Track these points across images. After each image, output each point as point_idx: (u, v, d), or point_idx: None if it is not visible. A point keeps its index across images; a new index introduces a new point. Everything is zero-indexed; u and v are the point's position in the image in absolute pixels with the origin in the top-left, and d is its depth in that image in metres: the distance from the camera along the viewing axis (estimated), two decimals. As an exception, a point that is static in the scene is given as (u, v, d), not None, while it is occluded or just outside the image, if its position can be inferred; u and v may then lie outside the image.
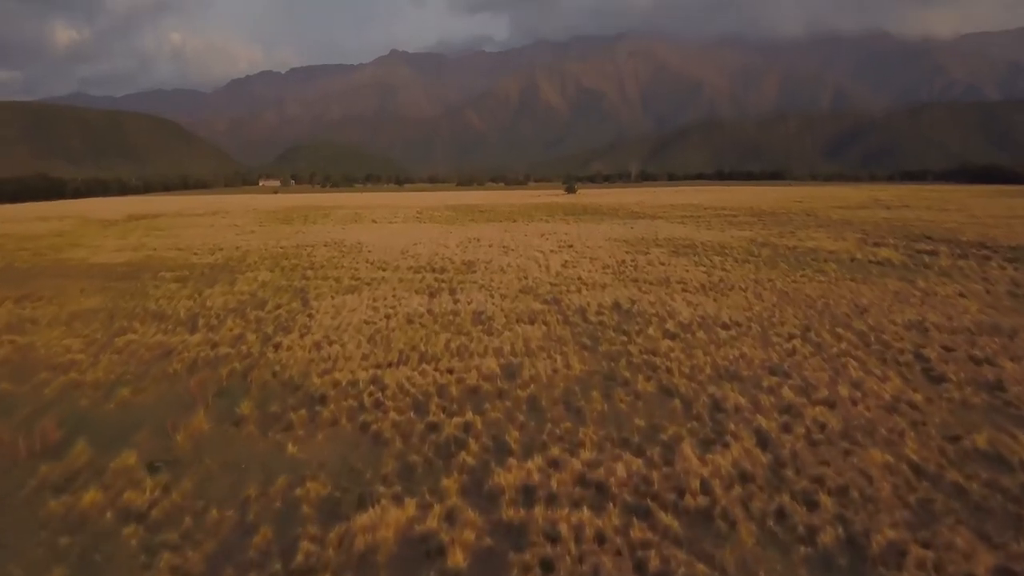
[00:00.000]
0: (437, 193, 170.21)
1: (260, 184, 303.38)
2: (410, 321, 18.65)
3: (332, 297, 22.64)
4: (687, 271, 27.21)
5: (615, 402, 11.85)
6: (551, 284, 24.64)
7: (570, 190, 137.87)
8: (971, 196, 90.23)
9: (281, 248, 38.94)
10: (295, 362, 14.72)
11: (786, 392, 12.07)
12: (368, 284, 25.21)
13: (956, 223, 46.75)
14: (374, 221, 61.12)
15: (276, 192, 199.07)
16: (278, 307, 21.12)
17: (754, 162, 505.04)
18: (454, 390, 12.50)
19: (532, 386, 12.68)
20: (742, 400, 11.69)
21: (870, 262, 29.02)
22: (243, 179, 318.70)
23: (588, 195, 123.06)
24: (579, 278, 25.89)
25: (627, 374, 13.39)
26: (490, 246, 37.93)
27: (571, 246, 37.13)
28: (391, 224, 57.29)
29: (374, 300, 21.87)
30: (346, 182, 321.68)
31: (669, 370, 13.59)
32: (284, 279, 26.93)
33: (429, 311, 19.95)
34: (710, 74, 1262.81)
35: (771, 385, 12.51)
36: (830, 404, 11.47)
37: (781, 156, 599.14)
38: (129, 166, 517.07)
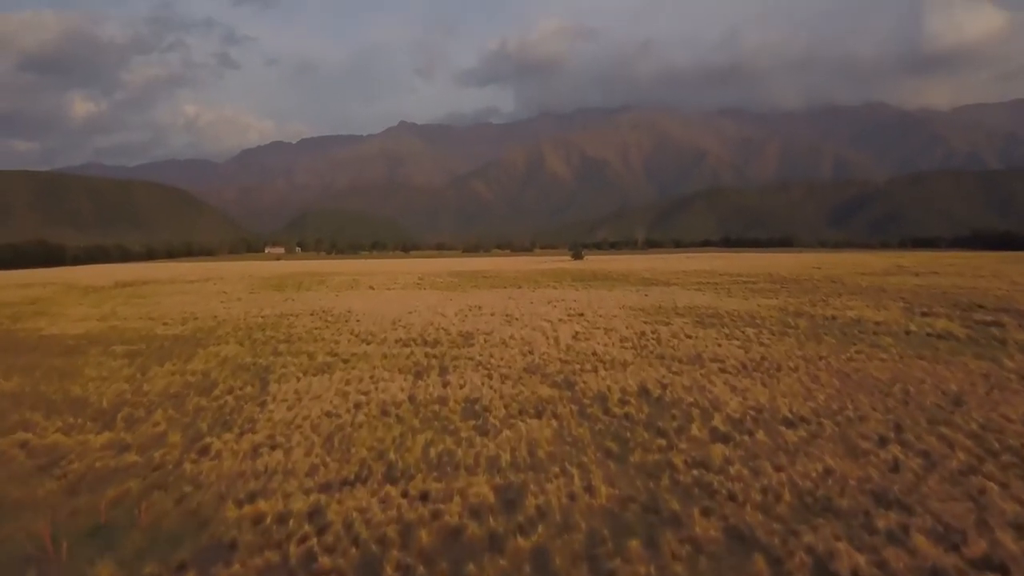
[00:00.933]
0: (441, 259, 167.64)
1: (266, 251, 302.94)
2: (384, 413, 14.77)
3: (298, 379, 18.76)
4: (719, 345, 23.28)
5: (665, 558, 7.86)
6: (561, 361, 20.76)
7: (577, 256, 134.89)
8: (999, 262, 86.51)
9: (262, 317, 35.26)
10: (217, 478, 10.78)
11: (919, 541, 8.05)
12: (346, 361, 21.37)
13: (1002, 290, 42.81)
14: (371, 288, 57.64)
15: (279, 259, 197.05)
16: (228, 392, 17.27)
17: (759, 229, 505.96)
18: (425, 535, 8.51)
19: (540, 527, 8.70)
20: (859, 558, 7.68)
21: (928, 335, 25.01)
22: (248, 246, 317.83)
23: (595, 261, 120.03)
24: (594, 353, 22.02)
25: (675, 504, 9.39)
26: (492, 315, 34.17)
27: (582, 314, 33.33)
28: (388, 291, 53.76)
29: (346, 383, 18.00)
30: (352, 249, 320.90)
31: (733, 496, 9.61)
32: (250, 354, 23.12)
33: (411, 398, 16.07)
34: (712, 144, 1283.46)
35: (890, 527, 8.50)
36: (1000, 569, 7.44)
37: (785, 224, 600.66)
38: (137, 233, 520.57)
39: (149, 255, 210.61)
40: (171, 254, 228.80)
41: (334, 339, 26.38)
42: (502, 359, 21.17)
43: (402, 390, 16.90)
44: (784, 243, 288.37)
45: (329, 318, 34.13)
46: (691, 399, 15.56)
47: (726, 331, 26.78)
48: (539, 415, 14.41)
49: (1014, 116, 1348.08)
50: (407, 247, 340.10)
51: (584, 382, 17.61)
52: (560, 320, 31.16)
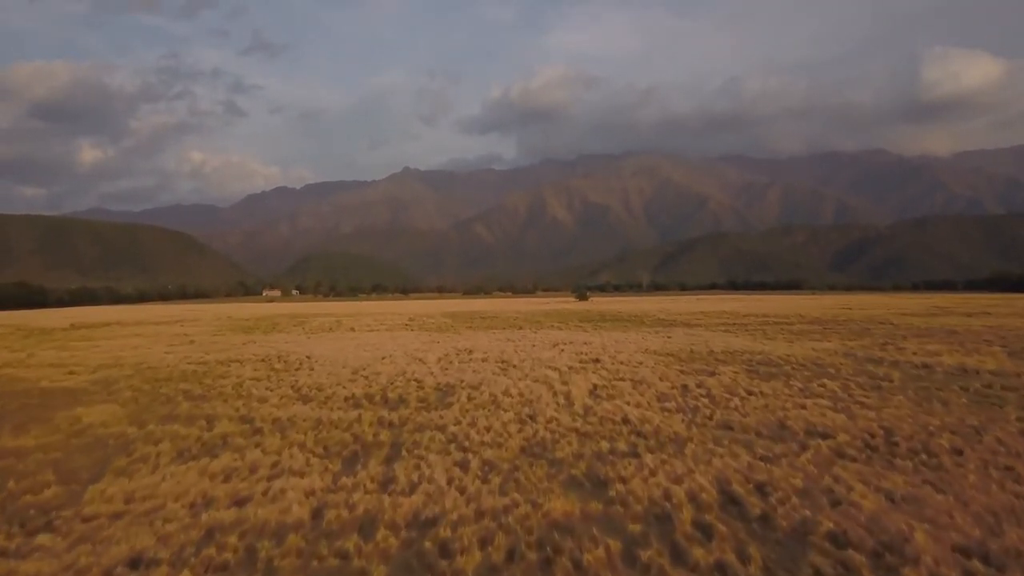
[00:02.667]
0: (439, 301, 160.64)
1: (264, 294, 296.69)
2: (250, 558, 7.61)
3: (156, 467, 11.61)
4: (803, 407, 16.15)
5: None
6: (579, 435, 13.65)
7: (581, 297, 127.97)
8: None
9: (199, 364, 28.13)
10: None
11: None
12: (254, 433, 14.28)
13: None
14: (352, 329, 50.62)
15: (271, 301, 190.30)
16: (23, 492, 10.11)
17: (762, 273, 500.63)
18: None
19: None
20: None
21: (1086, 390, 17.86)
22: (247, 289, 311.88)
23: (601, 302, 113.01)
24: (626, 420, 14.93)
25: None
26: (484, 360, 27.06)
27: (597, 360, 26.18)
28: (369, 333, 46.68)
29: (226, 477, 10.89)
30: (351, 292, 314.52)
31: None
32: (127, 420, 16.01)
33: (315, 515, 8.94)
34: (713, 189, 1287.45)
35: None
36: None
37: (789, 268, 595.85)
38: (141, 277, 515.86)
39: (141, 298, 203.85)
40: (164, 297, 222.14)
41: (263, 395, 19.25)
42: (488, 430, 14.07)
43: (307, 498, 9.70)
44: (792, 286, 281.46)
45: (278, 365, 26.98)
46: (827, 522, 8.36)
47: (797, 384, 19.61)
48: (548, 565, 7.25)
49: (1014, 162, 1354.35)
50: (407, 290, 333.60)
51: (622, 479, 10.45)
52: (571, 368, 24.03)
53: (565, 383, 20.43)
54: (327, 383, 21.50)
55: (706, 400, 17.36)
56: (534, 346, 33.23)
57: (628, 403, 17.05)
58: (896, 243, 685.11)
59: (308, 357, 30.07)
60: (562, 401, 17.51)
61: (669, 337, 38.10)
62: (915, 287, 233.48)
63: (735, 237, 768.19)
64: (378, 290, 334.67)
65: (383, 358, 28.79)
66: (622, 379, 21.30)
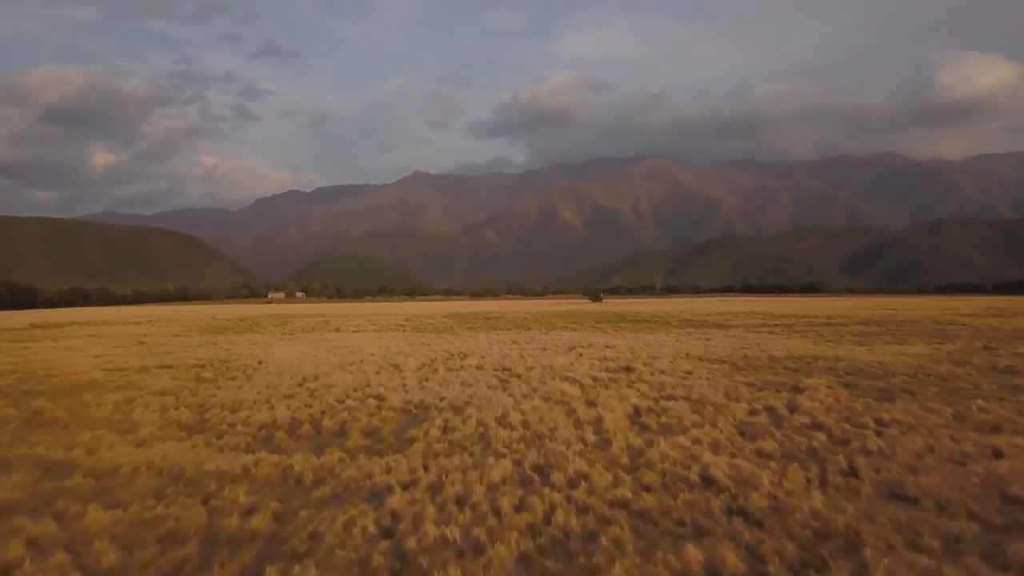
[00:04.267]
0: (443, 302, 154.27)
1: (269, 296, 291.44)
2: None
3: None
4: (998, 452, 9.57)
5: None
6: (633, 514, 7.32)
7: (594, 298, 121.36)
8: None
9: (118, 369, 21.95)
10: None
11: None
12: (50, 498, 7.80)
13: None
14: (337, 330, 44.27)
15: (270, 302, 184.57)
16: None
17: (775, 277, 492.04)
18: None
19: None
20: None
21: None
22: (251, 291, 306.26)
23: (616, 304, 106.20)
24: (707, 478, 8.62)
25: None
26: (479, 367, 20.69)
27: (630, 369, 19.74)
28: (354, 333, 40.31)
29: None
30: (356, 294, 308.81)
31: None
32: None
33: None
34: (723, 193, 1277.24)
35: None
36: None
37: (802, 272, 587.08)
38: (147, 280, 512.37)
39: (138, 299, 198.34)
40: (163, 299, 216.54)
41: (141, 421, 12.94)
42: (462, 505, 7.68)
43: None
44: (809, 289, 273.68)
45: (207, 374, 20.61)
46: None
47: (938, 407, 13.04)
48: None
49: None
50: (414, 292, 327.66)
51: None
52: (596, 380, 17.57)
53: (592, 404, 13.97)
54: (251, 400, 15.14)
55: (823, 437, 10.81)
56: (544, 350, 26.71)
57: (698, 442, 10.54)
58: (911, 247, 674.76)
59: (259, 362, 23.68)
60: (591, 437, 11.04)
61: (708, 339, 31.52)
62: (941, 290, 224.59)
63: (747, 241, 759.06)
64: (384, 293, 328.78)
65: (350, 364, 22.36)
66: (672, 397, 14.81)
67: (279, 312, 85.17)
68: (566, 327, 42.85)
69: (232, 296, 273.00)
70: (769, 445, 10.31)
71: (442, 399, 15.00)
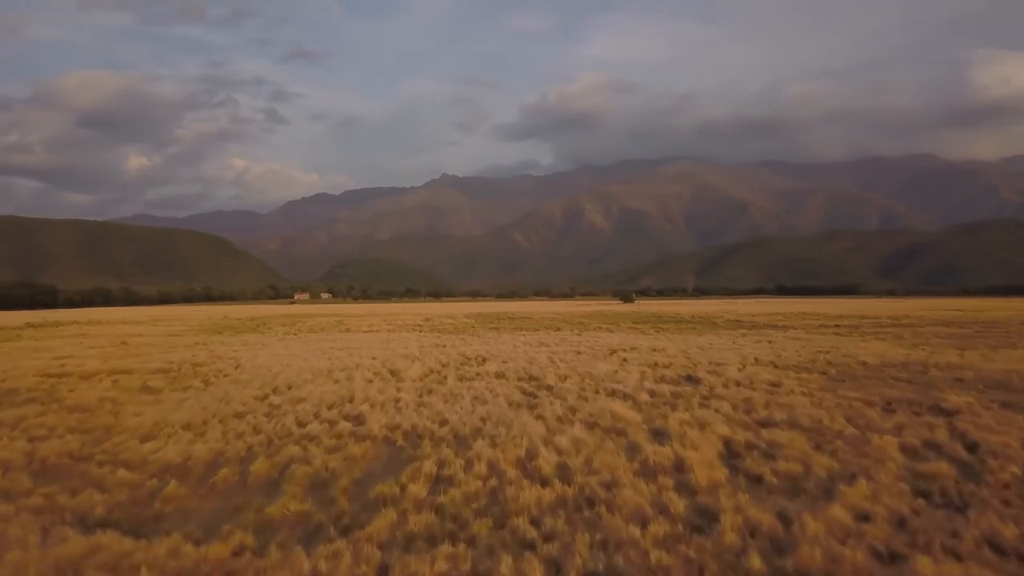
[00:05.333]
0: (468, 303, 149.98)
1: (295, 297, 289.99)
2: None
3: None
4: None
5: None
6: None
7: (626, 299, 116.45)
8: None
9: (54, 376, 17.81)
10: None
11: None
12: None
13: None
14: (347, 330, 40.22)
15: (293, 303, 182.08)
16: None
17: (805, 279, 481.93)
18: None
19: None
20: None
21: None
22: (277, 292, 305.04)
23: (649, 305, 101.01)
24: None
25: None
26: (499, 375, 16.48)
27: (693, 380, 15.41)
28: (364, 334, 36.23)
29: None
30: (382, 296, 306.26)
31: None
32: None
33: None
34: (753, 195, 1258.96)
35: None
36: None
37: (835, 274, 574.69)
38: (177, 281, 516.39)
39: (162, 300, 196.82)
40: (188, 299, 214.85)
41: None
42: None
43: None
44: (845, 291, 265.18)
45: (157, 382, 16.43)
46: None
47: None
48: None
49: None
50: (440, 294, 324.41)
51: None
52: (654, 396, 13.17)
53: (661, 435, 9.61)
54: (182, 421, 11.00)
55: (1084, 507, 6.21)
56: (579, 353, 22.23)
57: (865, 516, 6.11)
58: (947, 249, 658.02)
59: (236, 367, 19.65)
60: (675, 502, 6.68)
61: (770, 342, 26.83)
62: (993, 291, 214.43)
63: (778, 242, 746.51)
64: (410, 294, 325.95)
65: (341, 369, 18.12)
66: (772, 423, 10.33)
67: (295, 312, 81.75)
68: (600, 328, 38.31)
69: (257, 297, 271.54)
70: (991, 523, 5.80)
71: (443, 423, 10.66)
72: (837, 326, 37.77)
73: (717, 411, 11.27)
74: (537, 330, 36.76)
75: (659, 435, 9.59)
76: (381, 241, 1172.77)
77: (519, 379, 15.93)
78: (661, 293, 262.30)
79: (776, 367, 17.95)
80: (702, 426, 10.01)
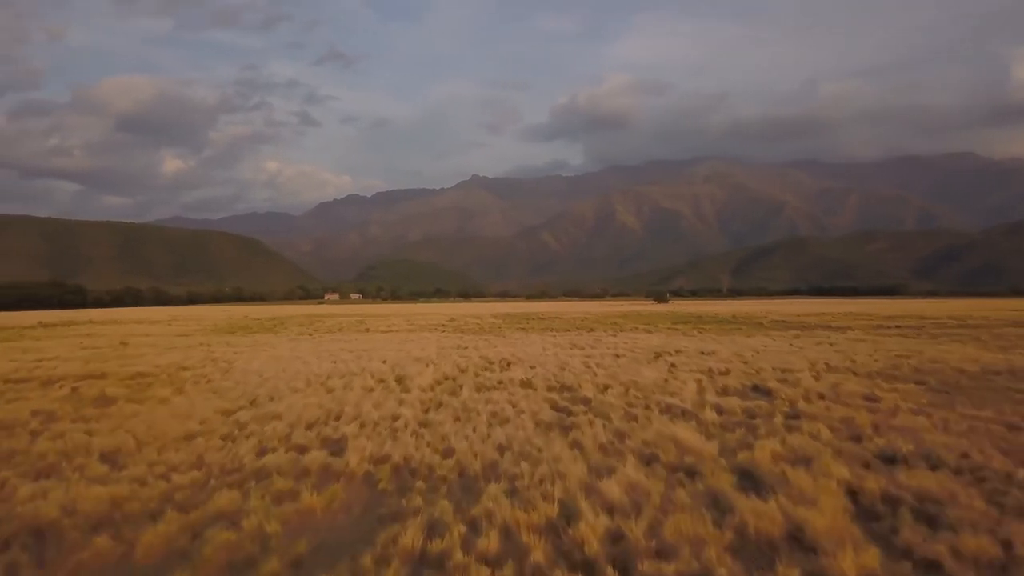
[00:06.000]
0: (496, 304, 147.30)
1: (325, 298, 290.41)
2: None
3: None
4: None
5: None
6: None
7: (660, 299, 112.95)
8: None
9: (17, 380, 15.45)
10: None
11: None
12: None
13: None
14: (366, 330, 37.76)
15: (320, 303, 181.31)
16: None
17: (843, 280, 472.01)
18: None
19: None
20: None
21: None
22: (307, 293, 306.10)
23: (684, 305, 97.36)
24: None
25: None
26: (525, 383, 13.77)
27: (763, 391, 12.48)
28: (382, 334, 33.73)
29: None
30: (412, 296, 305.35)
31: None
32: None
33: None
34: (787, 195, 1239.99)
35: None
36: None
37: (873, 275, 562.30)
38: (210, 282, 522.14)
39: (191, 300, 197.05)
40: (217, 299, 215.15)
41: None
42: None
43: None
44: (886, 292, 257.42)
45: (121, 390, 13.96)
46: None
47: None
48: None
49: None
50: (469, 294, 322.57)
51: None
52: (723, 415, 10.36)
53: (750, 478, 6.78)
54: (106, 449, 8.34)
55: None
56: (619, 357, 19.37)
57: None
58: (990, 249, 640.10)
59: (225, 372, 17.10)
60: None
61: (831, 344, 23.76)
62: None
63: (814, 243, 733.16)
64: (440, 295, 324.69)
65: (341, 376, 15.54)
66: (904, 459, 7.43)
67: (319, 312, 79.97)
68: (636, 328, 35.33)
69: (287, 298, 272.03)
70: None
71: (448, 453, 7.99)
72: (897, 327, 34.39)
73: (814, 438, 8.41)
74: (568, 331, 33.91)
75: (748, 478, 6.79)
76: (412, 242, 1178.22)
77: (549, 389, 13.17)
78: (694, 293, 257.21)
79: (855, 374, 14.97)
80: (805, 463, 7.17)
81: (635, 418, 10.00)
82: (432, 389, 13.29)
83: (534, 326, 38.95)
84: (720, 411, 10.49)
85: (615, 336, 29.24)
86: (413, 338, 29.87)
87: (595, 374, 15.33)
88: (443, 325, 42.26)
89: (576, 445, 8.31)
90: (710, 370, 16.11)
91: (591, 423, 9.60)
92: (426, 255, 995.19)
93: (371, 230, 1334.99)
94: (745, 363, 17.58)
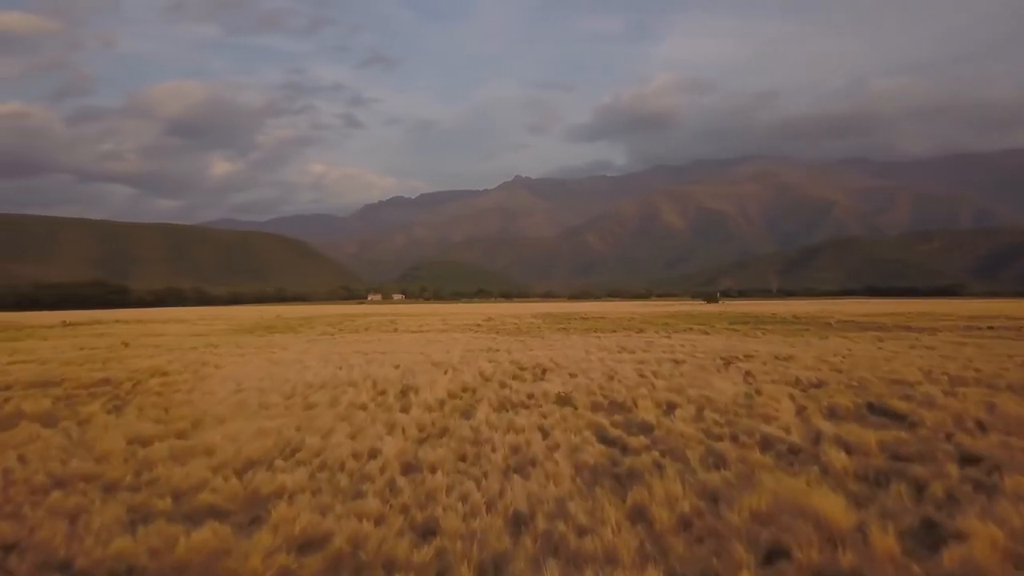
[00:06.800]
0: (537, 304, 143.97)
1: (368, 298, 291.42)
2: None
3: None
4: None
5: None
6: None
7: (711, 299, 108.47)
8: None
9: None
10: None
11: None
12: None
13: None
14: (394, 330, 34.87)
15: (360, 303, 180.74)
16: None
17: (895, 280, 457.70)
18: None
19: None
20: None
21: None
22: (350, 293, 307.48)
23: (736, 305, 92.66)
24: None
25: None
26: (563, 399, 10.43)
27: (888, 411, 8.99)
28: (411, 334, 30.82)
29: None
30: (454, 296, 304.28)
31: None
32: None
33: None
34: (836, 194, 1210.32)
35: None
36: None
37: (929, 275, 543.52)
38: (257, 283, 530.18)
39: (233, 300, 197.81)
40: (259, 299, 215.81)
41: None
42: None
43: None
44: (944, 292, 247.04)
45: (28, 406, 11.09)
46: None
47: None
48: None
49: None
50: (511, 295, 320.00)
51: None
52: (867, 460, 6.88)
53: None
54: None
55: None
56: (679, 364, 15.97)
57: None
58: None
59: (199, 381, 14.23)
60: None
61: (931, 348, 19.96)
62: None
63: (865, 243, 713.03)
64: (482, 295, 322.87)
65: (336, 386, 12.47)
66: None
67: (353, 312, 78.37)
68: (691, 329, 31.71)
69: (329, 298, 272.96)
70: None
71: (429, 533, 4.81)
72: (990, 327, 30.19)
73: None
74: (615, 331, 30.48)
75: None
76: (455, 243, 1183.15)
77: (595, 408, 9.94)
78: (743, 294, 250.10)
79: (993, 388, 11.38)
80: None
81: (724, 461, 6.70)
82: (440, 407, 10.13)
83: (576, 326, 35.58)
84: (848, 449, 7.12)
85: (669, 338, 25.78)
86: (441, 339, 26.85)
87: (653, 386, 12.01)
88: (478, 325, 39.21)
89: (640, 516, 5.10)
90: (798, 381, 12.65)
91: (659, 470, 6.35)
92: (469, 256, 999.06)
93: (415, 231, 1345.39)
94: (838, 372, 14.05)
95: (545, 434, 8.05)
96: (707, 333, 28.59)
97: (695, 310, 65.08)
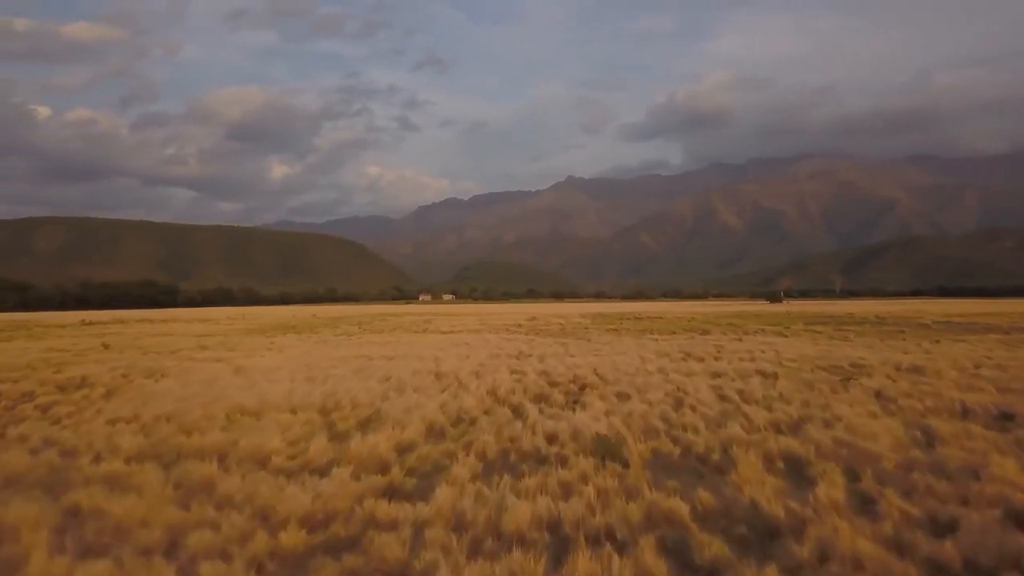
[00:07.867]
0: (588, 304, 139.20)
1: (420, 298, 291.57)
2: None
3: None
4: None
5: None
6: None
7: (774, 299, 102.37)
8: None
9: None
10: None
11: None
12: None
13: None
14: (424, 331, 31.12)
15: (410, 303, 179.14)
16: None
17: (963, 280, 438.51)
18: None
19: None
20: None
21: None
22: (401, 293, 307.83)
23: (802, 306, 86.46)
24: None
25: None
26: (613, 451, 6.10)
27: None
28: (441, 335, 27.03)
29: None
30: (504, 296, 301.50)
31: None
32: None
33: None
34: (898, 192, 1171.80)
35: None
36: None
37: (999, 275, 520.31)
38: (311, 283, 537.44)
39: (282, 300, 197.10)
40: (308, 299, 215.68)
41: None
42: None
43: None
44: (1020, 292, 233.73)
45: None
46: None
47: None
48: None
49: None
50: (562, 295, 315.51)
51: None
52: None
53: None
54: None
55: None
56: (768, 376, 11.58)
57: None
58: None
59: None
60: None
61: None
62: None
63: (930, 242, 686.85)
64: (531, 295, 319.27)
65: (278, 410, 8.51)
66: None
67: (391, 311, 75.83)
68: (763, 331, 26.94)
69: (379, 298, 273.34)
70: None
71: None
72: None
73: None
74: (674, 333, 25.99)
75: None
76: (508, 244, 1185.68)
77: (658, 466, 5.79)
78: (804, 294, 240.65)
79: None
80: None
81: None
82: (397, 462, 6.07)
83: (629, 327, 31.07)
84: None
85: (740, 340, 21.28)
86: (468, 340, 22.90)
87: (747, 418, 7.76)
88: (519, 325, 35.11)
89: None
90: (966, 409, 8.23)
91: None
92: (521, 256, 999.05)
93: (467, 232, 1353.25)
94: (1012, 392, 9.53)
95: (560, 547, 3.93)
96: (784, 336, 23.93)
97: (759, 310, 59.74)
